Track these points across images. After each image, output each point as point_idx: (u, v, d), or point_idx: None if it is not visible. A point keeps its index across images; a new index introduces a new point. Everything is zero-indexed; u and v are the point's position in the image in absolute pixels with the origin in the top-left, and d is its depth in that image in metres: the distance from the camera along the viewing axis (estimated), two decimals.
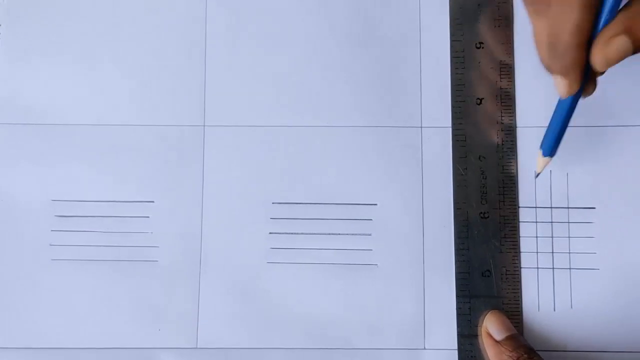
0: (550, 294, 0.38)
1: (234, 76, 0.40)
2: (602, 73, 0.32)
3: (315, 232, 0.39)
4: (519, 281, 0.38)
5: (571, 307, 0.38)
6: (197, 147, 0.39)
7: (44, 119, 0.39)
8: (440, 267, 0.38)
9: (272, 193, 0.39)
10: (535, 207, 0.38)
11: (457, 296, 0.37)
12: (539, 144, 0.36)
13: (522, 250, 0.38)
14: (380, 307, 0.38)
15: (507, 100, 0.39)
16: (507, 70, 0.39)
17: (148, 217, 0.39)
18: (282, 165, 0.39)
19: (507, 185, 0.38)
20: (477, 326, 0.37)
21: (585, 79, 0.31)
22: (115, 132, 0.39)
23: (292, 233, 0.39)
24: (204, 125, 0.39)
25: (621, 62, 0.39)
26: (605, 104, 0.39)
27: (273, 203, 0.39)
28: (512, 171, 0.38)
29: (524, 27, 0.39)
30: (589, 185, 0.38)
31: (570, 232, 0.38)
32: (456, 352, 0.37)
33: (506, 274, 0.37)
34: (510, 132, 0.38)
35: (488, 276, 0.37)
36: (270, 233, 0.39)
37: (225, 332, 0.38)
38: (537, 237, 0.38)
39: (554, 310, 0.38)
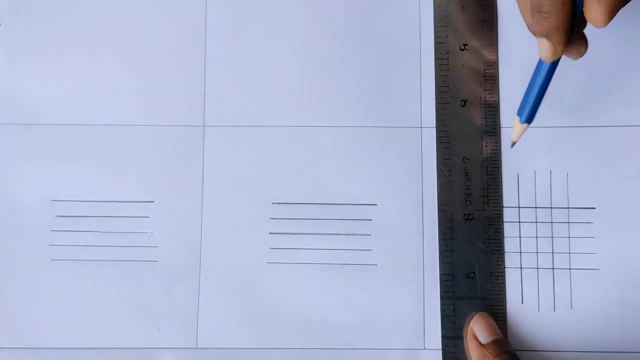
0: (551, 294, 0.38)
1: (234, 76, 0.40)
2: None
3: (315, 232, 0.38)
4: (503, 283, 0.38)
5: (571, 307, 0.38)
6: (197, 147, 0.39)
7: (44, 119, 0.39)
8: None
9: (272, 193, 0.39)
10: (535, 207, 0.38)
11: (442, 298, 0.37)
12: (517, 112, 0.35)
13: (522, 250, 0.38)
14: (380, 307, 0.38)
15: (491, 101, 0.39)
16: (491, 71, 0.39)
17: (148, 217, 0.39)
18: (282, 165, 0.39)
19: (491, 187, 0.38)
20: (461, 328, 0.37)
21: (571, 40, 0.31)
22: (115, 132, 0.39)
23: (292, 233, 0.39)
24: (203, 126, 0.39)
25: (622, 63, 0.39)
26: (605, 103, 0.39)
27: (273, 203, 0.39)
28: (496, 173, 0.38)
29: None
30: (589, 186, 0.38)
31: (570, 233, 0.38)
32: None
33: (490, 276, 0.37)
34: (494, 133, 0.38)
35: (472, 278, 0.37)
36: (270, 233, 0.39)
37: (225, 332, 0.38)
38: (537, 237, 0.38)
39: (554, 310, 0.38)
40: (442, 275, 0.38)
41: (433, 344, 0.38)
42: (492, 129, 0.39)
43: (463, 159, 0.38)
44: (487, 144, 0.38)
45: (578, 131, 0.39)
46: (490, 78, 0.39)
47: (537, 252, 0.38)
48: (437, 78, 0.39)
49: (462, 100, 0.39)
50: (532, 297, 0.38)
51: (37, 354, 0.38)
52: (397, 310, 0.38)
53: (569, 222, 0.38)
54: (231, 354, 0.38)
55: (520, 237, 0.38)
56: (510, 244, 0.38)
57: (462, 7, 0.39)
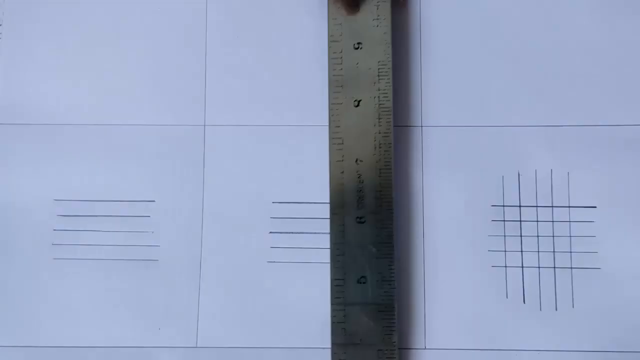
0: (552, 293, 0.37)
1: (234, 76, 0.40)
2: None
3: (315, 231, 0.38)
4: (394, 287, 0.37)
5: (573, 306, 0.37)
6: (197, 146, 0.39)
7: (45, 118, 0.40)
8: (441, 267, 0.38)
9: (273, 192, 0.39)
10: (536, 207, 0.38)
11: (332, 304, 0.37)
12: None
13: (523, 249, 0.38)
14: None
15: (384, 102, 0.38)
16: (385, 71, 0.38)
17: (149, 216, 0.39)
18: (283, 165, 0.39)
19: (384, 190, 0.37)
20: (351, 335, 0.36)
21: None
22: (116, 132, 0.39)
23: (292, 232, 0.39)
24: (204, 125, 0.40)
25: (622, 62, 0.39)
26: (606, 102, 0.39)
27: (273, 202, 0.39)
28: (389, 175, 0.37)
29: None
30: (590, 184, 0.38)
31: (571, 231, 0.38)
32: (457, 352, 0.37)
33: (382, 281, 0.37)
34: (387, 134, 0.38)
35: (364, 283, 0.37)
36: (270, 232, 0.39)
37: (226, 331, 0.38)
38: (538, 236, 0.38)
39: (556, 309, 0.37)
40: (332, 280, 0.37)
41: (433, 344, 0.37)
42: (386, 130, 0.38)
43: (356, 161, 0.38)
44: (381, 146, 0.38)
45: (579, 130, 0.39)
46: (384, 78, 0.38)
47: (538, 251, 0.38)
48: (330, 77, 0.39)
49: (356, 100, 0.38)
50: (533, 296, 0.38)
51: (38, 352, 0.38)
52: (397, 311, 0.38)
53: (569, 221, 0.38)
54: (231, 353, 0.38)
55: (521, 236, 0.38)
56: (511, 243, 0.38)
57: (357, 4, 0.39)
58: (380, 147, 0.38)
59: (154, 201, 0.39)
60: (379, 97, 0.38)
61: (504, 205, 0.38)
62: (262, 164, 0.39)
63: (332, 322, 0.37)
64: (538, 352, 0.37)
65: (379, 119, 0.38)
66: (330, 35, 0.39)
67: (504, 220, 0.38)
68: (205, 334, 0.38)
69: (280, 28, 0.40)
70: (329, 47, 0.39)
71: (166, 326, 0.38)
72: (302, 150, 0.39)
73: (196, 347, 0.38)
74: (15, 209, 0.39)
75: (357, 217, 0.37)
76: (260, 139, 0.39)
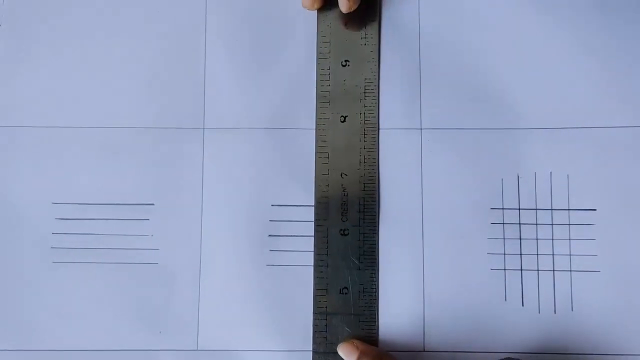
0: (551, 296, 0.38)
1: (233, 79, 0.40)
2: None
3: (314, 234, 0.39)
4: (376, 299, 0.37)
5: (572, 309, 0.37)
6: (196, 149, 0.39)
7: (44, 121, 0.40)
8: (440, 267, 0.38)
9: (271, 195, 0.39)
10: (536, 209, 0.38)
11: (314, 313, 0.37)
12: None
13: (523, 252, 0.38)
14: (382, 308, 0.38)
15: (370, 118, 0.39)
16: (372, 88, 0.39)
17: (148, 219, 0.39)
18: (281, 168, 0.39)
19: (368, 203, 0.38)
20: (332, 344, 0.37)
21: None
22: (115, 135, 0.39)
23: (291, 235, 0.39)
24: (203, 128, 0.39)
25: (622, 64, 0.39)
26: (606, 104, 0.39)
27: (272, 205, 0.39)
28: (373, 189, 0.38)
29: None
30: (590, 187, 0.38)
31: (570, 234, 0.38)
32: (456, 354, 0.37)
33: (363, 292, 0.37)
34: (372, 150, 0.38)
35: (346, 293, 0.37)
36: (269, 235, 0.39)
37: (226, 334, 0.38)
38: (537, 239, 0.38)
39: (555, 312, 0.38)
40: (315, 290, 0.38)
41: (433, 345, 0.38)
42: (371, 146, 0.39)
43: (341, 174, 0.38)
44: (366, 160, 0.38)
45: (578, 132, 0.39)
46: (370, 95, 0.39)
47: (537, 254, 0.38)
48: (318, 93, 0.39)
49: (342, 116, 0.39)
50: (532, 299, 0.38)
51: (38, 356, 0.38)
52: (396, 311, 0.38)
53: (569, 224, 0.38)
54: (232, 356, 0.38)
55: (520, 239, 0.38)
56: (510, 246, 0.38)
57: (345, 23, 0.39)
58: (365, 162, 0.38)
59: (153, 204, 0.39)
60: (364, 113, 0.38)
61: (503, 208, 0.38)
62: (262, 167, 0.39)
63: (314, 331, 0.37)
64: (536, 354, 0.37)
65: (365, 134, 0.38)
66: (318, 53, 0.39)
67: (503, 223, 0.38)
68: (205, 336, 0.38)
69: (280, 30, 0.40)
70: (317, 64, 0.39)
71: (167, 329, 0.38)
72: (301, 152, 0.39)
73: (197, 349, 0.38)
74: (14, 212, 0.39)
75: (341, 230, 0.38)
76: (260, 141, 0.39)
